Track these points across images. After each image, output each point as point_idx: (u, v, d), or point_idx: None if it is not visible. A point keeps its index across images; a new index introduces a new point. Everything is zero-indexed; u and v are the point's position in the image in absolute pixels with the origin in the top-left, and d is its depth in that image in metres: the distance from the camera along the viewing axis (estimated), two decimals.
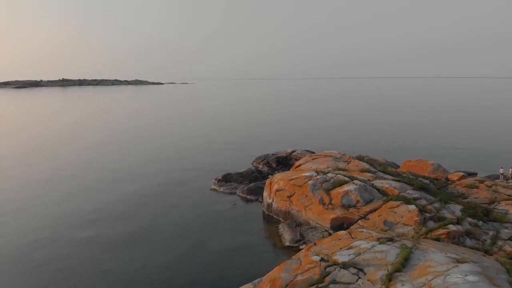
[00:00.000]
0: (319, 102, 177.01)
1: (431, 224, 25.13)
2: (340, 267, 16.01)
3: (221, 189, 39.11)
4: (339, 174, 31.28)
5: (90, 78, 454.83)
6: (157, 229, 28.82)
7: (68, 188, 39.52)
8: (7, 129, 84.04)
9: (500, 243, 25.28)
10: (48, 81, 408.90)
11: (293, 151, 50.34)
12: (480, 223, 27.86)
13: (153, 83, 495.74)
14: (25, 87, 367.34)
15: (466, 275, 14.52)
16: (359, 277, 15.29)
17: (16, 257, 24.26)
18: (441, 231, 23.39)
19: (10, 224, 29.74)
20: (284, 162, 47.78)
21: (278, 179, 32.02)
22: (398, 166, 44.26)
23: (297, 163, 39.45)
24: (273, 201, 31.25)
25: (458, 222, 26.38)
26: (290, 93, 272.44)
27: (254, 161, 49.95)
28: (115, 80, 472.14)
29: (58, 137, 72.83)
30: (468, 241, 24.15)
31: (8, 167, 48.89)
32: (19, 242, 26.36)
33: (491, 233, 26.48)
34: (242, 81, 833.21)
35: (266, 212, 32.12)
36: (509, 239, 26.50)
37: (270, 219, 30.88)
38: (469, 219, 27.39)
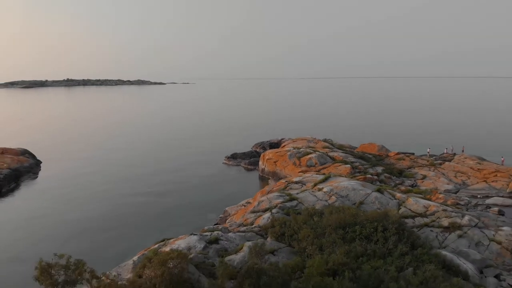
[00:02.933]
0: (316, 101, 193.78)
1: (357, 175, 42.04)
2: (294, 183, 32.95)
3: (230, 163, 56.07)
4: (308, 149, 48.26)
5: (93, 78, 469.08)
6: (191, 184, 45.87)
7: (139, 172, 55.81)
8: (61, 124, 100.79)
9: (400, 186, 42.19)
10: (53, 81, 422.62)
11: (282, 139, 67.18)
12: (394, 177, 44.87)
13: (155, 83, 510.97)
14: (32, 87, 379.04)
15: (350, 183, 31.37)
16: (302, 186, 32.20)
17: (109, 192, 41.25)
18: (360, 176, 40.28)
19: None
20: (275, 147, 64.46)
21: (269, 152, 49.09)
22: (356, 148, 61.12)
23: (282, 144, 56.57)
24: (265, 166, 48.24)
25: (377, 175, 43.31)
26: (289, 93, 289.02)
27: (253, 146, 66.78)
28: (118, 80, 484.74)
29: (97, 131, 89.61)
30: (378, 183, 41.00)
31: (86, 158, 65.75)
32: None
33: (397, 181, 43.48)
34: (240, 81, 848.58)
35: (261, 174, 49.12)
36: (410, 186, 43.45)
37: (263, 178, 47.87)
38: (386, 175, 44.33)
